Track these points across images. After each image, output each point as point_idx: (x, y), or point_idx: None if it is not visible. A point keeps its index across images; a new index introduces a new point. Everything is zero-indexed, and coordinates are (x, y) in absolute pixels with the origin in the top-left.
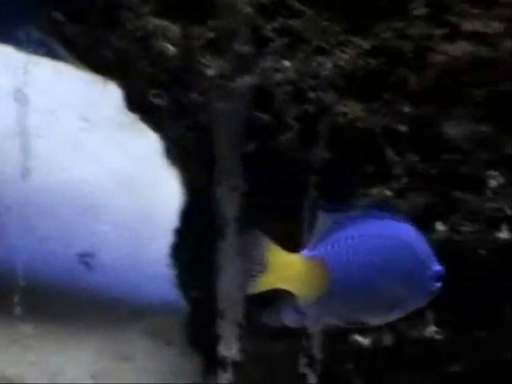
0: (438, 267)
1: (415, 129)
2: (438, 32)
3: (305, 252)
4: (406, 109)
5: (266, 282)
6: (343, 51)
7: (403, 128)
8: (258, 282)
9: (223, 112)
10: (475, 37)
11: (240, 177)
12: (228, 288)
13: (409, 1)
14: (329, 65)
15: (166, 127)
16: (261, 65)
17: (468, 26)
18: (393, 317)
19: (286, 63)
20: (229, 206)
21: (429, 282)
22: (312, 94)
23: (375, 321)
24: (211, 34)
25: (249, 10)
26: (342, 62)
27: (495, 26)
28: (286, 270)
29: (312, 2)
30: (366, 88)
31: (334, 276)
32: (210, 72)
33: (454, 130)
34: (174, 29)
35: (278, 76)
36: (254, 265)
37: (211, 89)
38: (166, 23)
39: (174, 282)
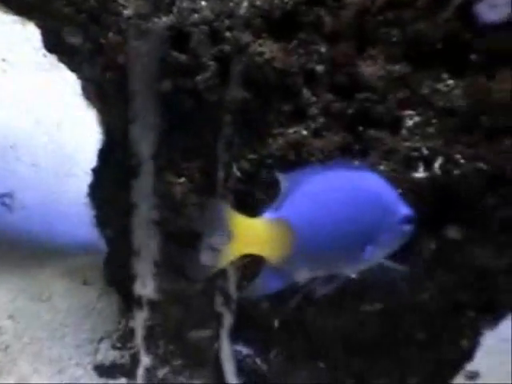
0: (405, 210)
1: (331, 69)
2: None
3: (267, 214)
4: (322, 49)
5: (234, 251)
6: None
7: (319, 68)
8: (224, 252)
9: (139, 52)
10: None
11: (155, 116)
12: (143, 227)
13: None
14: (245, 4)
15: (84, 67)
16: (177, 5)
17: None
18: (368, 263)
19: (203, 3)
20: (143, 145)
21: (398, 225)
22: (228, 34)
23: (350, 270)
24: None
25: None
26: (258, 2)
27: None
28: (252, 235)
29: None
30: (283, 28)
31: (301, 233)
32: (127, 12)
33: (369, 69)
34: None
35: (195, 16)
36: (218, 236)
37: (128, 28)
38: None
39: (92, 221)
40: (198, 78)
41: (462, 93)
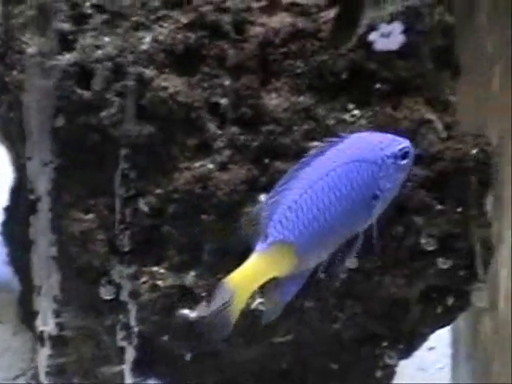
0: (393, 149)
1: (236, 101)
2: (257, 4)
3: (260, 245)
4: (226, 82)
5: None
6: (162, 26)
7: (224, 101)
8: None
9: (42, 89)
10: (294, 8)
11: (53, 153)
12: (41, 263)
13: None
14: (148, 39)
15: None
16: (80, 41)
17: None
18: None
19: (106, 39)
20: (41, 181)
21: (393, 165)
22: (132, 69)
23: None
24: (31, 12)
25: None
26: (160, 37)
27: None
28: (256, 273)
29: None
30: (186, 62)
31: (302, 240)
32: (30, 50)
33: (274, 101)
34: None
35: (98, 52)
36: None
37: (31, 66)
38: None
39: (5, 259)
40: (103, 113)
41: (367, 123)
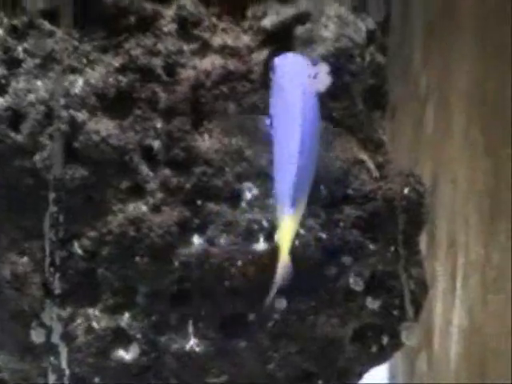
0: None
1: (168, 144)
2: (188, 47)
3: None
4: (158, 124)
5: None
6: (94, 69)
7: (156, 143)
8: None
9: None
10: (225, 50)
11: None
12: None
13: (157, 17)
14: (80, 83)
15: None
16: (13, 85)
17: (218, 40)
18: None
19: (38, 83)
20: None
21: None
22: (64, 113)
23: None
24: None
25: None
26: (92, 81)
27: (245, 39)
28: None
29: (62, 23)
30: (118, 105)
31: None
32: None
33: (206, 143)
34: None
35: (31, 96)
36: None
37: None
38: None
39: None
40: (36, 157)
41: None
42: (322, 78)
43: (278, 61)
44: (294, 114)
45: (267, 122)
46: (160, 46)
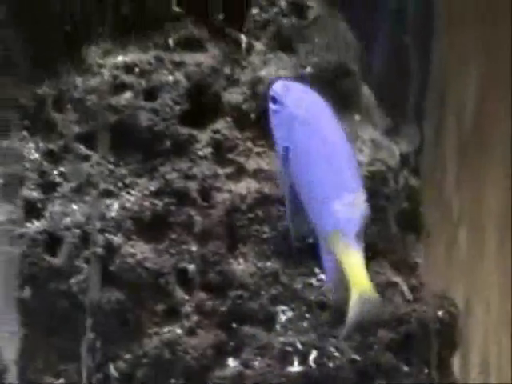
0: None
1: (203, 267)
2: (223, 171)
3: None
4: (194, 248)
5: None
6: (129, 193)
7: (191, 267)
8: None
9: (10, 257)
10: (260, 174)
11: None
12: None
13: (193, 142)
14: (116, 207)
15: None
16: (49, 209)
17: (253, 163)
18: None
19: (74, 207)
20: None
21: None
22: (100, 237)
23: None
24: (0, 180)
25: (36, 155)
26: (128, 204)
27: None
28: None
29: (98, 147)
30: (154, 229)
31: None
32: (0, 217)
33: (241, 267)
34: None
35: (67, 220)
36: None
37: (1, 234)
38: None
39: None
40: (72, 280)
41: None
42: (361, 205)
43: None
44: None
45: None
46: (195, 170)
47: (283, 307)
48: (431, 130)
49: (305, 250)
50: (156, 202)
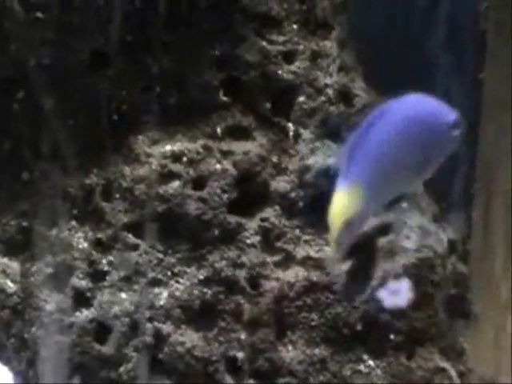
0: (451, 117)
1: (252, 355)
2: (271, 259)
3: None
4: (243, 336)
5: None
6: (178, 282)
7: (240, 355)
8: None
9: (61, 345)
10: (308, 261)
11: None
12: None
13: (241, 230)
14: (165, 295)
15: (11, 361)
16: (98, 298)
17: (301, 251)
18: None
19: (123, 295)
20: None
21: (447, 133)
22: (149, 325)
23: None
24: (49, 270)
25: (84, 245)
26: (177, 293)
27: (327, 251)
28: (340, 208)
29: (146, 236)
30: (203, 317)
31: (368, 186)
32: (49, 307)
33: (290, 354)
34: (14, 265)
35: (116, 308)
36: None
37: (50, 323)
38: (5, 260)
39: None
40: (121, 369)
41: (382, 373)
42: (403, 293)
43: None
44: None
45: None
46: (244, 258)
47: None
48: (479, 215)
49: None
50: (205, 290)
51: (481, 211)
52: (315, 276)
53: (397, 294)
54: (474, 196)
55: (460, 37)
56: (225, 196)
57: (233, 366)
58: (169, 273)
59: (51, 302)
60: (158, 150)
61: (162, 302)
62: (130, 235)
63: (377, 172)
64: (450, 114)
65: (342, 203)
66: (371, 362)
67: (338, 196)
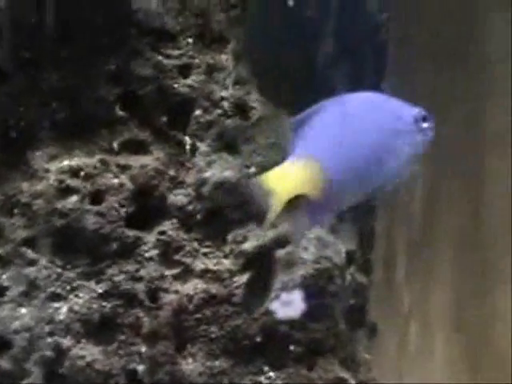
0: (415, 111)
1: (152, 368)
2: (170, 272)
3: (294, 156)
4: (143, 349)
5: (277, 204)
6: (78, 296)
7: (140, 367)
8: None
9: None
10: (207, 274)
11: None
12: None
13: (139, 243)
14: (64, 310)
15: None
16: None
17: (199, 264)
18: (403, 173)
19: (23, 310)
20: None
21: (416, 126)
22: (49, 340)
23: (388, 185)
24: None
25: None
26: (76, 307)
27: (226, 263)
28: (291, 180)
29: (45, 251)
30: (102, 331)
31: (328, 164)
32: None
33: (190, 367)
34: None
35: (16, 323)
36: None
37: None
38: None
39: None
40: (22, 383)
41: None
42: (296, 304)
43: None
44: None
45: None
46: (142, 272)
47: None
48: (382, 226)
49: (253, 347)
50: (104, 304)
51: (383, 222)
52: (214, 288)
53: (289, 305)
54: (375, 207)
55: (360, 47)
56: (122, 210)
57: (133, 379)
58: (68, 287)
59: None
60: (56, 165)
61: (61, 317)
62: (29, 250)
63: (340, 155)
64: (414, 108)
65: (289, 174)
66: (272, 374)
67: (285, 167)
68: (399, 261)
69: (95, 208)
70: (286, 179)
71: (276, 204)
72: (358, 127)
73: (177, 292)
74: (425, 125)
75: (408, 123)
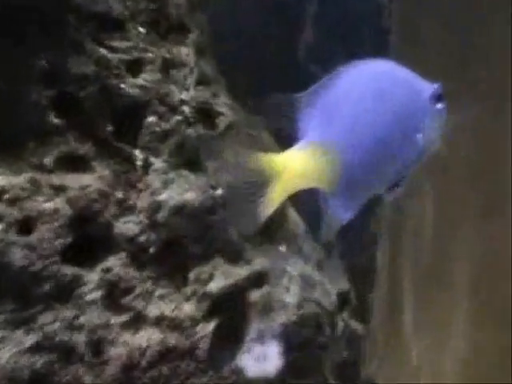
0: (431, 89)
1: None
2: (117, 319)
3: (305, 141)
4: None
5: (280, 192)
6: (3, 348)
7: None
8: (269, 197)
9: None
10: (163, 322)
11: None
12: None
13: (79, 283)
14: None
15: None
16: None
17: (154, 309)
18: (422, 154)
19: None
20: None
21: (430, 106)
22: None
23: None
24: None
25: None
26: (1, 361)
27: (187, 309)
28: (297, 167)
29: None
30: None
31: (344, 152)
32: None
33: None
34: None
35: None
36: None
37: None
38: None
39: None
40: None
41: None
42: (271, 359)
43: None
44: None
45: None
46: (82, 319)
47: None
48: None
49: None
50: (35, 358)
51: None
52: (173, 339)
53: (266, 360)
54: (376, 236)
55: (360, 35)
56: (57, 242)
57: None
58: None
59: None
60: None
61: None
62: None
63: (356, 142)
64: (431, 86)
65: (299, 160)
66: None
67: (295, 151)
68: (406, 303)
69: (23, 239)
70: (296, 165)
71: (278, 192)
72: (375, 107)
73: (126, 344)
74: (441, 105)
75: (426, 102)
